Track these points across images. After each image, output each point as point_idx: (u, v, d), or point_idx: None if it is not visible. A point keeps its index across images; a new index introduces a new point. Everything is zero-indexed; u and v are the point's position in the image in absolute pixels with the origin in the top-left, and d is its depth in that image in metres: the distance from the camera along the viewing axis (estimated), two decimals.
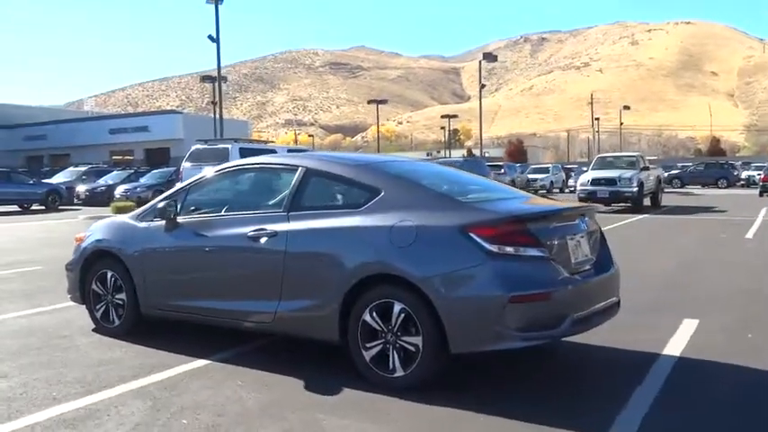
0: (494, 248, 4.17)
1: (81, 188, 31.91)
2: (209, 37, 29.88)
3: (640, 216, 19.74)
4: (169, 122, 59.05)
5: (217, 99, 39.37)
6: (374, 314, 4.45)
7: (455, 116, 78.60)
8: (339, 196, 4.99)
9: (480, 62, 47.22)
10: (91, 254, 6.08)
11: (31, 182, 29.39)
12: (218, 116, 38.13)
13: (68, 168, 37.23)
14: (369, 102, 77.81)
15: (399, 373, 4.39)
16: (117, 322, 5.94)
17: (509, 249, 4.20)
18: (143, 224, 5.78)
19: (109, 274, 5.93)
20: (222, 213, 5.41)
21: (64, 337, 5.99)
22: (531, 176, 39.57)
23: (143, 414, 4.07)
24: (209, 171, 5.83)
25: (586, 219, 4.86)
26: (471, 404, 4.13)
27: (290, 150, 21.99)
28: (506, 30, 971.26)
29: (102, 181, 32.67)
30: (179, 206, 5.61)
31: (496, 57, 50.82)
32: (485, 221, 4.27)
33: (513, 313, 4.11)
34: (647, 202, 23.32)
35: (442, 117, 79.63)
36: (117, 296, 5.90)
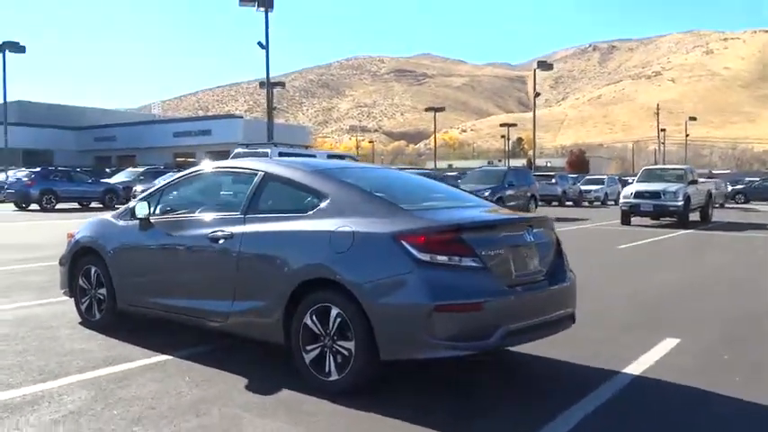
0: (423, 257, 4.18)
1: (138, 188, 32.98)
2: (259, 44, 30.50)
3: (685, 231, 19.19)
4: (230, 126, 60.56)
5: (274, 104, 40.17)
6: (314, 318, 4.53)
7: (513, 125, 77.76)
8: (291, 201, 5.07)
9: (535, 71, 46.73)
10: (78, 249, 6.37)
11: (90, 181, 30.60)
12: (273, 120, 38.70)
13: (128, 169, 38.53)
14: (426, 109, 77.80)
15: (334, 377, 4.45)
16: (98, 316, 6.20)
17: (440, 258, 4.21)
18: (122, 223, 6.02)
19: (92, 270, 6.19)
20: (188, 214, 5.58)
21: (50, 327, 6.28)
22: (584, 188, 38.82)
23: (80, 403, 4.26)
24: (182, 173, 6.03)
25: (535, 230, 4.81)
26: (393, 409, 4.16)
27: (329, 156, 22.19)
28: (575, 37, 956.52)
29: (157, 182, 33.65)
30: (154, 206, 5.81)
31: (552, 65, 50.11)
32: (416, 230, 4.29)
33: (439, 322, 4.12)
34: (695, 216, 22.63)
35: (501, 126, 78.97)
36: (99, 291, 6.15)
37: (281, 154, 20.51)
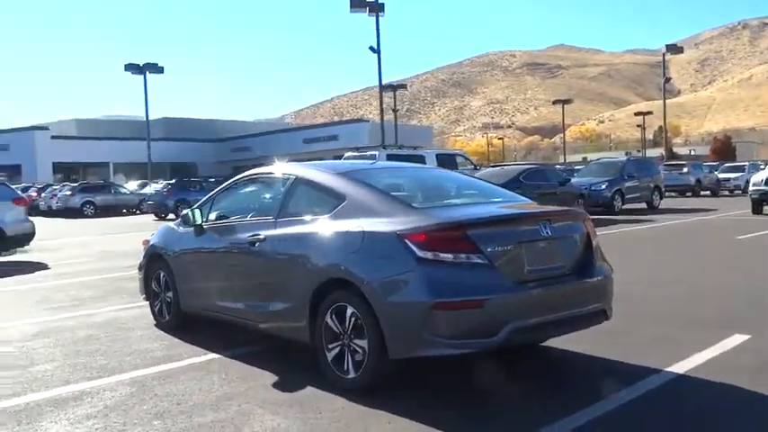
0: (425, 254, 4.19)
1: None
2: (371, 48, 30.99)
3: None
4: (356, 131, 61.96)
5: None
6: (333, 317, 4.64)
7: (649, 113, 74.05)
8: (316, 203, 5.20)
9: (663, 55, 44.26)
10: (150, 256, 6.85)
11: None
12: (376, 122, 39.28)
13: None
14: (554, 102, 75.82)
15: (352, 374, 4.54)
16: (167, 317, 6.64)
17: (443, 256, 4.19)
18: (182, 229, 6.41)
19: (161, 274, 6.64)
20: (232, 220, 5.87)
21: (127, 329, 6.80)
22: (722, 176, 36.32)
23: (118, 399, 4.61)
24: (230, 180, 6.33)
25: (554, 224, 4.65)
26: (405, 407, 4.19)
27: (438, 155, 22.24)
28: (722, 16, 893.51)
29: None
30: (207, 213, 6.16)
31: (682, 48, 46.89)
32: (418, 228, 4.29)
33: (439, 320, 4.11)
34: None
35: (635, 115, 75.39)
36: (167, 294, 6.59)
37: (389, 156, 20.85)
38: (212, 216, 6.14)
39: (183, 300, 6.30)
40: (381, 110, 38.06)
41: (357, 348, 4.50)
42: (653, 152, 74.07)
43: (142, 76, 42.21)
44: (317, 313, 4.77)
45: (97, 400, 4.60)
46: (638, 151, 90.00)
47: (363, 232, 4.54)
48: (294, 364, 5.27)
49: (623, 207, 22.16)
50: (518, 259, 4.39)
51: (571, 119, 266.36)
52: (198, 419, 4.16)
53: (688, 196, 31.98)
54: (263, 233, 5.32)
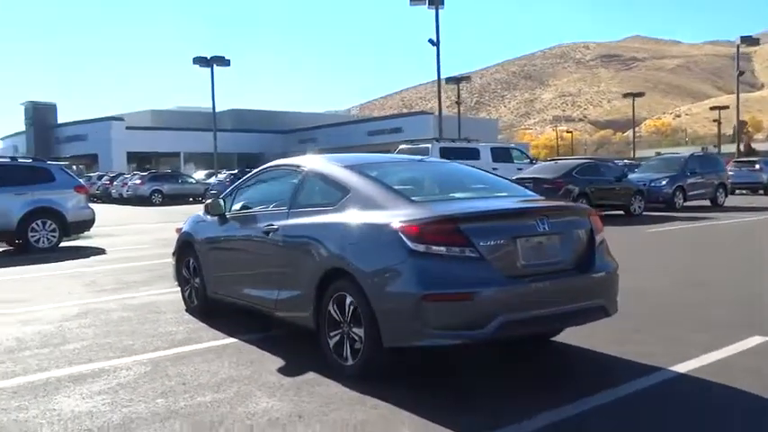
0: (417, 247, 4.28)
1: None
2: (430, 41, 30.93)
3: None
4: (421, 123, 61.92)
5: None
6: (335, 306, 4.80)
7: (725, 107, 71.27)
8: (323, 195, 5.35)
9: (738, 46, 42.46)
10: (182, 243, 7.15)
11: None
12: (435, 115, 39.16)
13: None
14: (624, 95, 73.89)
15: (350, 362, 4.69)
16: (196, 302, 6.93)
17: (434, 248, 4.27)
18: (209, 218, 6.67)
19: (191, 261, 6.93)
20: (251, 210, 6.08)
21: (159, 312, 7.12)
22: None
23: (131, 377, 4.89)
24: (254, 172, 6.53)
25: (553, 219, 4.66)
26: (392, 393, 4.32)
27: (493, 149, 22.12)
28: None
29: None
30: (230, 203, 6.39)
31: (758, 40, 44.70)
32: (412, 220, 4.38)
33: (429, 311, 4.20)
34: None
35: (711, 109, 72.74)
36: (195, 280, 6.87)
37: (442, 149, 20.88)
38: (236, 206, 6.36)
39: (209, 286, 6.56)
40: (440, 102, 38.05)
41: (355, 336, 4.63)
42: (729, 148, 71.31)
43: (210, 69, 43.36)
44: (321, 302, 4.93)
45: (112, 378, 4.89)
46: (714, 147, 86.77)
47: (362, 224, 4.68)
48: (304, 349, 5.43)
49: (685, 204, 21.55)
50: (512, 254, 4.43)
51: (647, 112, 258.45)
52: (199, 399, 4.38)
53: (760, 194, 30.77)
54: (276, 223, 5.51)
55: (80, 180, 15.02)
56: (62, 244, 14.02)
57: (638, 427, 3.91)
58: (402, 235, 4.35)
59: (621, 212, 19.32)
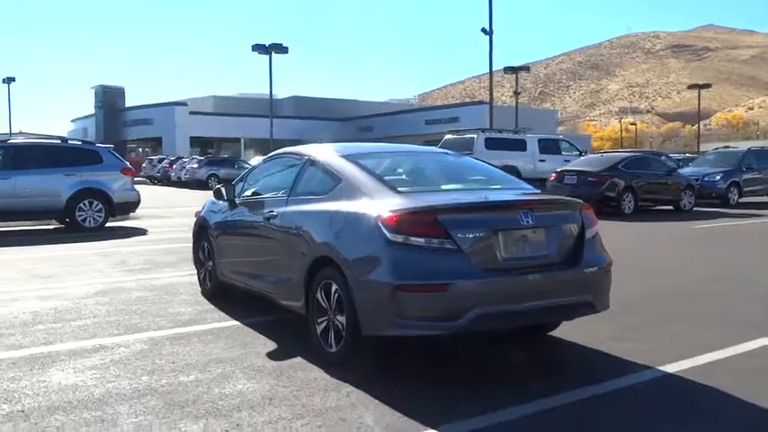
0: (395, 237, 4.29)
1: None
2: (483, 30, 30.57)
3: None
4: (477, 113, 61.23)
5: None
6: (322, 293, 4.85)
7: None
8: (319, 184, 5.39)
9: None
10: (198, 227, 7.33)
11: None
12: (498, 105, 38.67)
13: None
14: (689, 87, 71.60)
15: (333, 348, 4.75)
16: (209, 285, 7.09)
17: (412, 239, 4.27)
18: (221, 203, 6.81)
19: (205, 245, 7.10)
20: (257, 196, 6.18)
21: (174, 294, 7.33)
22: None
23: (126, 354, 5.06)
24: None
25: (538, 213, 4.58)
26: (369, 380, 4.36)
27: (540, 140, 21.78)
28: None
29: None
30: (241, 189, 6.51)
31: None
32: (392, 211, 4.39)
33: (403, 301, 4.21)
34: None
35: None
36: (209, 263, 7.04)
37: (487, 140, 20.69)
38: (246, 192, 6.47)
39: (220, 269, 6.71)
40: (491, 92, 37.81)
41: (339, 324, 4.68)
42: None
43: (269, 57, 43.91)
44: (310, 289, 4.99)
45: (109, 354, 5.07)
46: None
47: (347, 213, 4.72)
48: (300, 335, 5.50)
49: (741, 200, 20.82)
50: (492, 246, 4.39)
51: (717, 104, 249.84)
52: (182, 378, 4.51)
53: None
54: (276, 210, 5.60)
55: (126, 162, 15.46)
56: (108, 224, 14.49)
57: (595, 427, 3.85)
58: (381, 225, 4.36)
59: (671, 208, 18.82)
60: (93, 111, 76.73)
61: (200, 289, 7.35)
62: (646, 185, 17.88)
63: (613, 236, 13.53)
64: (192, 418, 3.82)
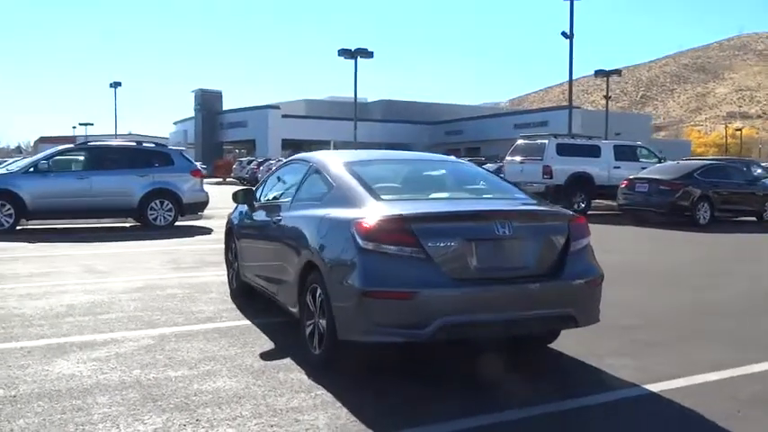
0: (366, 244, 4.37)
1: None
2: (563, 33, 29.92)
3: None
4: (567, 117, 59.98)
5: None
6: (310, 296, 4.99)
7: None
8: (317, 190, 5.51)
9: None
10: (227, 229, 7.64)
11: None
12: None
13: None
14: None
15: (317, 351, 4.88)
16: (234, 286, 7.38)
17: (384, 247, 4.34)
18: (243, 206, 7.07)
19: (232, 246, 7.39)
20: (270, 200, 6.39)
21: (203, 292, 7.65)
22: None
23: (131, 348, 5.36)
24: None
25: (516, 223, 4.54)
26: (341, 384, 4.46)
27: (616, 147, 21.13)
28: None
29: None
30: (260, 193, 6.75)
31: None
32: (364, 218, 4.47)
33: (370, 308, 4.29)
34: None
35: None
36: (235, 264, 7.32)
37: (558, 146, 20.30)
38: (263, 196, 6.70)
39: (242, 271, 6.98)
40: (570, 96, 37.08)
41: (321, 327, 4.81)
42: None
43: (354, 61, 44.59)
44: (302, 292, 5.14)
45: (116, 348, 5.38)
46: None
47: (331, 219, 4.84)
48: (302, 337, 5.68)
49: None
50: (464, 256, 4.40)
51: None
52: (169, 373, 4.75)
53: None
54: (281, 214, 5.79)
55: (196, 164, 16.13)
56: (178, 222, 15.18)
57: None
58: (354, 232, 4.46)
59: (753, 219, 17.91)
60: (193, 113, 79.99)
61: (228, 289, 7.64)
62: (724, 195, 17.08)
63: (674, 248, 13.12)
64: (160, 411, 4.03)
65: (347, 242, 4.50)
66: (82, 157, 14.97)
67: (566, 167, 19.84)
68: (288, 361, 5.05)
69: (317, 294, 4.84)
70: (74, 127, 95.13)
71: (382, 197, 4.86)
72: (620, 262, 10.08)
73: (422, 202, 4.96)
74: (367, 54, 44.32)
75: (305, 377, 4.67)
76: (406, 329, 4.29)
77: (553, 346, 5.43)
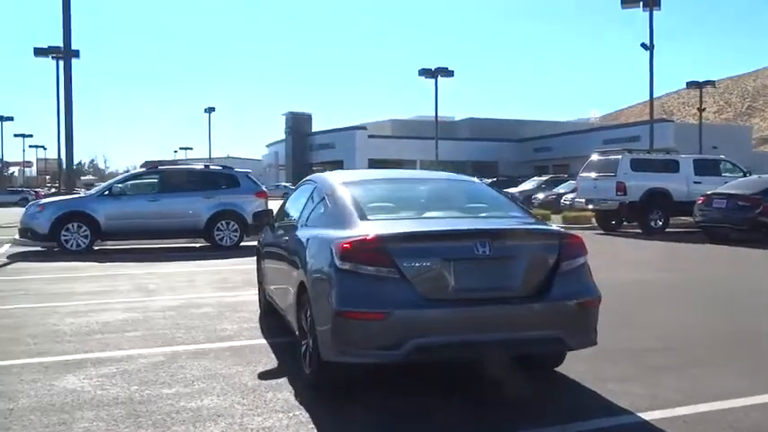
0: (343, 265, 4.35)
1: (539, 195, 34.50)
2: (643, 45, 28.91)
3: None
4: (659, 132, 57.66)
5: (704, 106, 37.48)
6: (303, 316, 5.02)
7: None
8: (318, 210, 5.50)
9: None
10: (257, 249, 7.80)
11: None
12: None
13: (533, 178, 40.34)
14: None
15: (308, 370, 4.89)
16: (262, 304, 7.51)
17: (360, 267, 4.31)
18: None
19: (260, 266, 7.54)
20: (283, 221, 6.49)
21: (235, 311, 7.82)
22: None
23: (139, 366, 5.53)
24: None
25: (497, 243, 4.41)
26: (321, 405, 4.48)
27: (696, 161, 20.18)
28: None
29: (556, 189, 34.57)
30: (282, 213, 6.86)
31: None
32: (343, 238, 4.46)
33: (344, 328, 4.27)
34: None
35: None
36: (262, 284, 7.46)
37: (633, 161, 19.63)
38: (281, 217, 6.81)
39: (266, 290, 7.10)
40: (651, 109, 35.42)
41: (310, 347, 4.82)
42: None
43: (435, 81, 44.76)
44: (299, 311, 5.18)
45: (126, 364, 5.57)
46: None
47: (319, 239, 4.86)
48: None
49: None
50: (442, 276, 4.31)
51: None
52: (164, 390, 4.88)
53: None
54: (288, 235, 5.87)
55: (261, 186, 16.54)
56: (244, 243, 15.59)
57: None
58: (333, 252, 4.46)
59: None
60: (283, 136, 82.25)
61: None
62: None
63: (740, 267, 12.41)
64: (135, 427, 4.14)
65: (328, 262, 4.51)
66: (152, 181, 15.65)
67: (640, 183, 19.11)
68: (283, 381, 5.09)
69: (308, 314, 4.86)
70: (175, 151, 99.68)
71: (368, 217, 4.84)
72: (668, 280, 9.65)
73: (404, 222, 4.89)
74: (447, 73, 44.40)
75: (292, 397, 4.69)
76: (380, 350, 4.24)
77: (560, 369, 5.24)
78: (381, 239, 4.38)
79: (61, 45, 20.62)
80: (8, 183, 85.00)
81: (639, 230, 19.70)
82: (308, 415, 4.34)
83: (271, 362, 5.64)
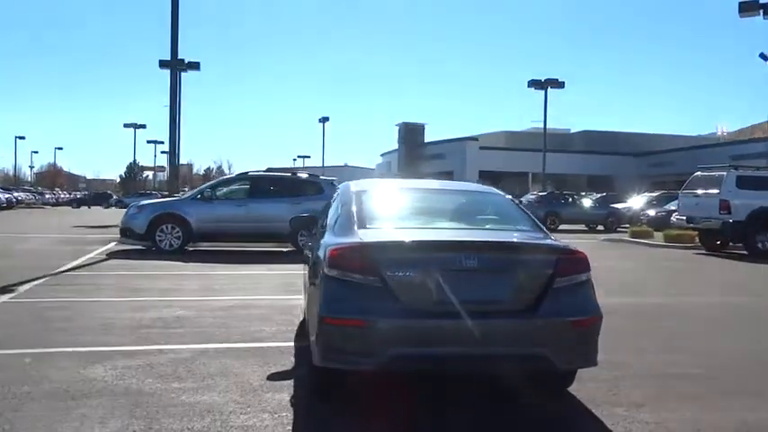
0: (330, 272, 4.40)
1: (650, 212, 33.05)
2: (761, 55, 27.05)
3: None
4: None
5: None
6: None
7: None
8: (332, 217, 5.58)
9: None
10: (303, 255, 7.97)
11: (595, 204, 32.14)
12: None
13: (645, 193, 38.66)
14: None
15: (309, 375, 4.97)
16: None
17: (346, 274, 4.34)
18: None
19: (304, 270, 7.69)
20: (318, 227, 6.60)
21: (282, 314, 8.01)
22: None
23: (166, 360, 5.79)
24: None
25: (488, 255, 4.30)
26: (312, 409, 4.54)
27: None
28: None
29: (668, 206, 32.97)
30: (321, 219, 6.98)
31: None
32: (333, 246, 4.51)
33: (327, 334, 4.31)
34: None
35: None
36: None
37: (739, 178, 18.52)
38: (319, 224, 6.92)
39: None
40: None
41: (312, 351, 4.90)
42: None
43: (544, 92, 43.90)
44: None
45: (153, 357, 5.85)
46: None
47: (320, 246, 4.93)
48: None
49: None
50: (426, 287, 4.26)
51: None
52: (173, 384, 5.09)
53: None
54: (312, 242, 5.97)
55: None
56: None
57: None
58: (324, 259, 4.52)
59: None
60: (396, 146, 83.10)
61: None
62: None
63: None
64: (128, 417, 4.36)
65: (320, 269, 4.58)
66: (242, 186, 16.30)
67: (747, 202, 17.93)
68: (289, 383, 5.18)
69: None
70: (294, 159, 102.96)
71: (367, 225, 4.86)
72: (753, 306, 8.99)
73: (397, 231, 4.85)
74: (557, 84, 43.42)
75: (288, 400, 4.78)
76: (360, 357, 4.25)
77: (573, 389, 5.03)
78: (366, 247, 4.40)
79: (184, 58, 21.92)
80: (142, 186, 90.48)
81: (745, 252, 18.48)
82: (292, 417, 4.40)
83: (288, 364, 5.76)
